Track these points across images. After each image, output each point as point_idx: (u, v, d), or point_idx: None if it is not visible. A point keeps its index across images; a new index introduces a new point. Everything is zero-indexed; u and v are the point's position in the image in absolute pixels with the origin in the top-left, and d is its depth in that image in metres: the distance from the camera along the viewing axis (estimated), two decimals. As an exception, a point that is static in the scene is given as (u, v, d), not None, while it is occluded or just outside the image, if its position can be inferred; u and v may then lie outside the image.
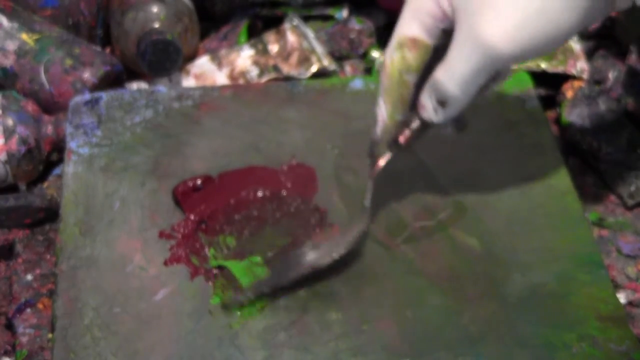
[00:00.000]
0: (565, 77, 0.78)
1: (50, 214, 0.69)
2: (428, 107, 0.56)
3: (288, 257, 0.61)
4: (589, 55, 0.79)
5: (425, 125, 0.58)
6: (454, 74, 0.53)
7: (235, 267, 0.61)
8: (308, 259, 0.60)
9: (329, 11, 0.86)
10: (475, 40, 0.51)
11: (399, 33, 0.55)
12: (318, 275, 0.60)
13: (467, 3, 0.52)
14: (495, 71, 0.54)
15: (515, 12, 0.50)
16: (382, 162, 0.60)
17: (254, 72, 0.80)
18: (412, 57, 0.55)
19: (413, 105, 0.58)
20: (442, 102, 0.55)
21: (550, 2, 0.50)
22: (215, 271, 0.60)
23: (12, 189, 0.71)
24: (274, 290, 0.59)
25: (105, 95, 0.72)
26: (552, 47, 0.52)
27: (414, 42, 0.55)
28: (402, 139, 0.59)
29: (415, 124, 0.58)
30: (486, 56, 0.51)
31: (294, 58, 0.81)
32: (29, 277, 0.65)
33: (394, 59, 0.56)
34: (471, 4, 0.51)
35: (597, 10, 0.51)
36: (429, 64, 0.56)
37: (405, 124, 0.58)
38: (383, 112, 0.58)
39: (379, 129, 0.59)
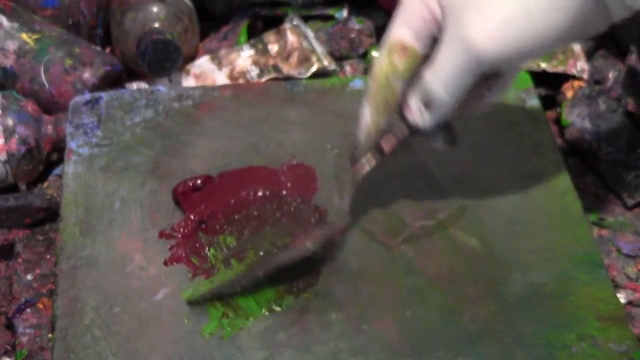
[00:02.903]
0: (565, 77, 0.78)
1: (50, 214, 0.69)
2: (414, 109, 0.56)
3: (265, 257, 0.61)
4: (589, 55, 0.79)
5: (412, 132, 0.57)
6: (439, 73, 0.53)
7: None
8: (272, 259, 0.60)
9: (329, 11, 0.86)
10: (459, 39, 0.51)
11: (389, 37, 0.55)
12: (282, 274, 0.59)
13: (454, 3, 0.52)
14: (482, 73, 0.53)
15: (499, 11, 0.50)
16: (365, 169, 0.59)
17: (254, 72, 0.80)
18: (400, 62, 0.55)
19: (400, 114, 0.57)
20: (427, 104, 0.55)
21: (534, 3, 0.49)
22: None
23: (12, 189, 0.71)
24: (238, 287, 0.59)
25: (105, 95, 0.72)
26: (539, 51, 0.51)
27: (403, 47, 0.55)
28: (385, 145, 0.58)
29: (402, 132, 0.58)
30: (470, 55, 0.51)
31: (294, 58, 0.81)
32: (29, 277, 0.65)
33: (382, 63, 0.56)
34: (457, 4, 0.51)
35: (586, 15, 0.50)
36: (419, 72, 0.55)
37: (389, 130, 0.58)
38: (367, 116, 0.57)
39: (361, 133, 0.58)
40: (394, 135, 0.58)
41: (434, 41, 0.54)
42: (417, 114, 0.56)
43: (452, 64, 0.52)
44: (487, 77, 0.55)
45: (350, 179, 0.60)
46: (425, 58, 0.55)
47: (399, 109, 0.57)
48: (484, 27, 0.50)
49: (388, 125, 0.57)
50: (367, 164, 0.59)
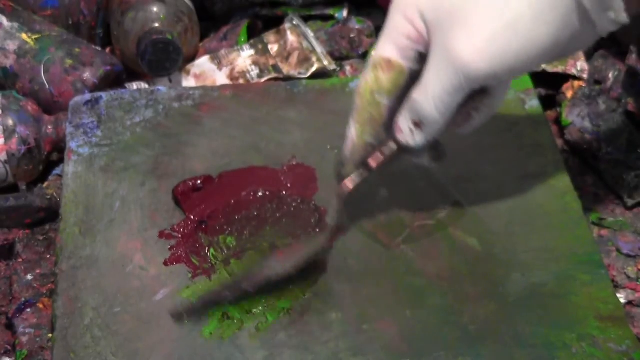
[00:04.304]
0: (565, 77, 0.78)
1: (50, 213, 0.69)
2: (404, 129, 0.55)
3: (251, 268, 0.60)
4: (589, 55, 0.79)
5: (401, 150, 0.57)
6: (429, 92, 0.52)
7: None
8: (264, 270, 0.59)
9: (329, 11, 0.86)
10: (447, 57, 0.51)
11: (374, 54, 0.55)
12: (274, 285, 0.59)
13: (439, 21, 0.51)
14: (471, 91, 0.53)
15: (485, 27, 0.50)
16: (350, 185, 0.58)
17: (254, 72, 0.80)
18: (386, 79, 0.54)
19: (389, 130, 0.56)
20: (417, 124, 0.54)
21: (519, 17, 0.49)
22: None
23: (12, 189, 0.71)
24: (231, 296, 0.59)
25: (105, 95, 0.72)
26: (527, 65, 0.51)
27: (388, 64, 0.54)
28: (372, 162, 0.57)
29: (390, 148, 0.57)
30: (459, 73, 0.51)
31: (294, 58, 0.81)
32: (29, 277, 0.65)
33: (367, 79, 0.55)
34: (443, 22, 0.51)
35: (572, 29, 0.49)
36: (406, 89, 0.55)
37: (377, 147, 0.57)
38: (352, 131, 0.56)
39: (347, 149, 0.57)
40: (382, 152, 0.57)
41: (419, 56, 0.54)
42: (408, 133, 0.55)
43: (442, 82, 0.52)
44: (473, 96, 0.55)
45: (335, 194, 0.59)
46: (411, 74, 0.54)
47: (387, 127, 0.56)
48: (471, 43, 0.50)
49: (375, 142, 0.57)
50: (353, 180, 0.58)
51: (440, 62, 0.51)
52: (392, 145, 0.57)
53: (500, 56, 0.50)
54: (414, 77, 0.54)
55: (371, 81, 0.55)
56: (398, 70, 0.54)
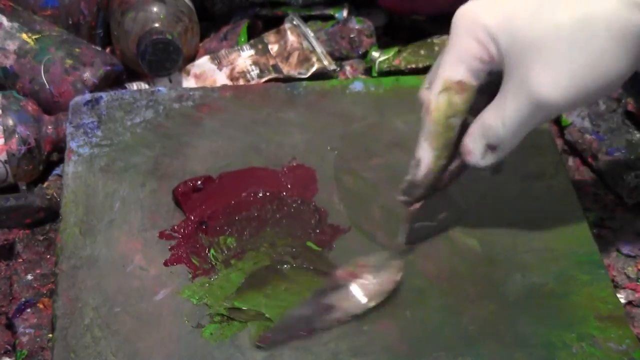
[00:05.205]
0: (565, 77, 0.78)
1: (51, 213, 0.69)
2: (475, 152, 0.55)
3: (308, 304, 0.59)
4: (589, 55, 0.79)
5: (466, 168, 0.57)
6: (506, 121, 0.53)
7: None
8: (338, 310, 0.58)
9: (329, 11, 0.86)
10: (526, 90, 0.51)
11: (444, 77, 0.54)
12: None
13: (515, 51, 0.51)
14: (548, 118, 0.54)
15: (566, 65, 0.50)
16: (416, 206, 0.59)
17: (254, 72, 0.80)
18: (460, 101, 0.54)
19: (457, 149, 0.57)
20: (491, 147, 0.55)
21: (602, 52, 0.49)
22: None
23: (12, 189, 0.71)
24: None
25: (105, 96, 0.72)
26: (604, 94, 0.53)
27: (461, 86, 0.54)
28: (441, 183, 0.58)
29: (458, 167, 0.58)
30: (538, 107, 0.51)
31: (294, 58, 0.81)
32: (29, 277, 0.65)
33: (440, 103, 0.55)
34: (520, 53, 0.51)
35: None
36: (473, 105, 0.55)
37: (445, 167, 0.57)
38: (429, 157, 0.56)
39: (421, 173, 0.57)
40: (448, 171, 0.58)
41: (489, 74, 0.54)
42: (479, 156, 0.55)
43: (519, 113, 0.52)
44: None
45: (406, 217, 0.60)
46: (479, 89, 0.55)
47: (456, 146, 0.56)
48: (552, 80, 0.50)
49: (448, 163, 0.57)
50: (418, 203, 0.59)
51: (517, 93, 0.52)
52: (459, 164, 0.58)
53: (580, 91, 0.51)
54: (479, 91, 0.55)
55: (445, 105, 0.55)
56: (470, 91, 0.54)
